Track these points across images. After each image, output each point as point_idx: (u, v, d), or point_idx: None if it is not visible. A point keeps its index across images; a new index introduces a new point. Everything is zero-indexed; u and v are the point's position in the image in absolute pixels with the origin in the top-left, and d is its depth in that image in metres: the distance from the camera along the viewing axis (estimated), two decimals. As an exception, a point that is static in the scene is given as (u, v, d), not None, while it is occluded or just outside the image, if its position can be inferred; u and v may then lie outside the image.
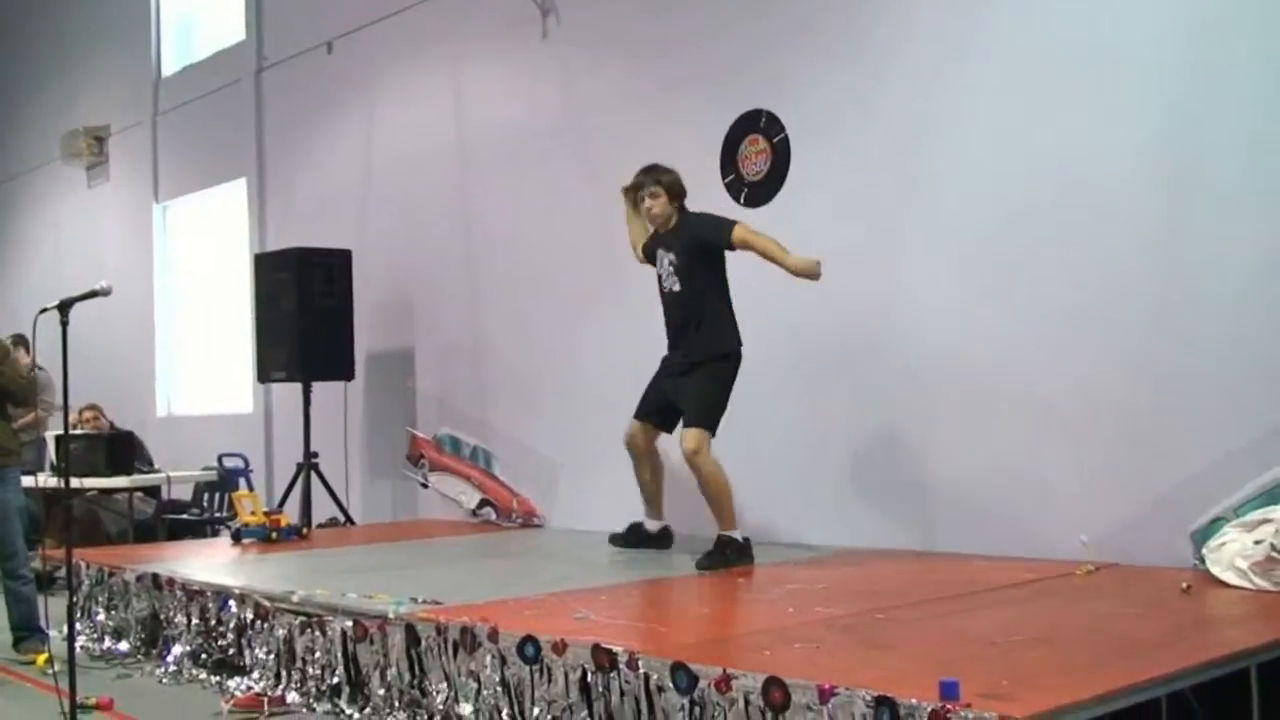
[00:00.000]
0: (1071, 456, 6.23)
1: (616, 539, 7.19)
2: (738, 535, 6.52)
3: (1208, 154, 5.82)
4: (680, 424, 6.69)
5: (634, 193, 7.01)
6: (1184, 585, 5.18)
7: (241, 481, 10.46)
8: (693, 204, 7.32)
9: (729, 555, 6.40)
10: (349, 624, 5.28)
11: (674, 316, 6.84)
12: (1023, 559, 6.09)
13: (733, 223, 6.59)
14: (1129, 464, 6.02)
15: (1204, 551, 5.47)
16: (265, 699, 5.46)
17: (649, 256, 7.00)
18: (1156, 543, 5.83)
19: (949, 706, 3.24)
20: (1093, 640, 4.30)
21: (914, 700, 3.31)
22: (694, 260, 6.68)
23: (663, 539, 7.14)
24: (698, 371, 6.66)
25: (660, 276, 6.87)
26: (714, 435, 6.57)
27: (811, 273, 6.33)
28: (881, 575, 6.01)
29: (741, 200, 7.70)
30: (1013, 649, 4.13)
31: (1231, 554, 5.27)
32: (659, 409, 6.89)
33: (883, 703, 3.36)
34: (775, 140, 7.54)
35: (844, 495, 7.18)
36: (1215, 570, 5.32)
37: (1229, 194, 5.76)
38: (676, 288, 6.77)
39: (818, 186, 7.36)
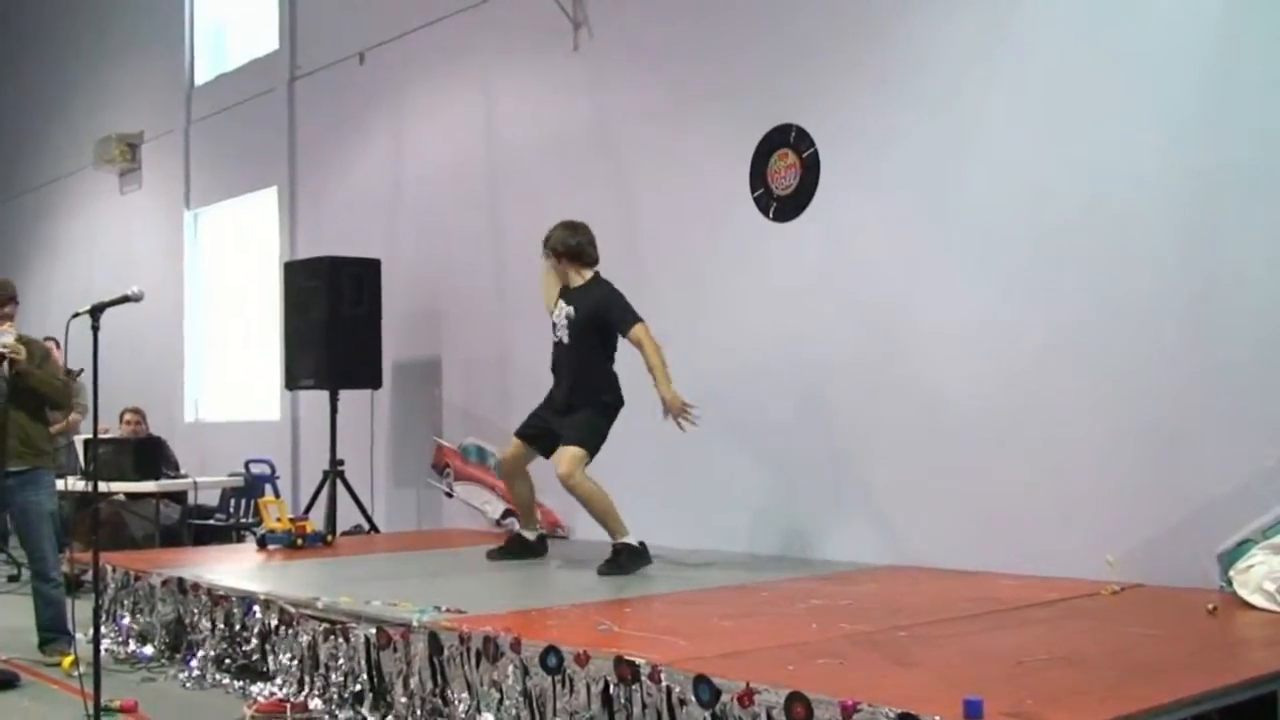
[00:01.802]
0: (1098, 475, 6.20)
1: (495, 554, 7.52)
2: (632, 540, 6.90)
3: (1232, 167, 5.78)
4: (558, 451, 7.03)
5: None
6: (1210, 607, 5.14)
7: (268, 488, 10.50)
8: (723, 219, 7.37)
9: (624, 561, 6.80)
10: (372, 631, 5.29)
11: (560, 366, 7.27)
12: (1048, 578, 6.06)
13: (638, 320, 6.95)
14: (1155, 484, 5.98)
15: (1231, 573, 5.43)
16: (288, 705, 5.47)
17: (556, 305, 7.33)
18: (1183, 564, 5.79)
19: (972, 725, 3.23)
20: (1118, 661, 4.28)
21: (937, 718, 3.30)
22: (589, 324, 7.07)
23: (540, 547, 7.63)
24: (579, 410, 7.09)
25: (555, 324, 7.24)
26: (589, 461, 6.99)
27: (675, 408, 6.76)
28: (905, 592, 5.99)
29: (770, 214, 7.70)
30: (1037, 668, 4.11)
31: (1259, 576, 5.23)
32: (540, 434, 7.27)
33: (906, 720, 3.35)
34: (805, 155, 7.54)
35: (869, 511, 7.15)
36: (1242, 592, 5.28)
37: (1255, 208, 5.72)
38: (566, 340, 7.18)
39: (846, 202, 7.35)
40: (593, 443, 7.05)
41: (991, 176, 6.69)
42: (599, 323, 7.07)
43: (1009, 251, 6.59)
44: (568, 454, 6.91)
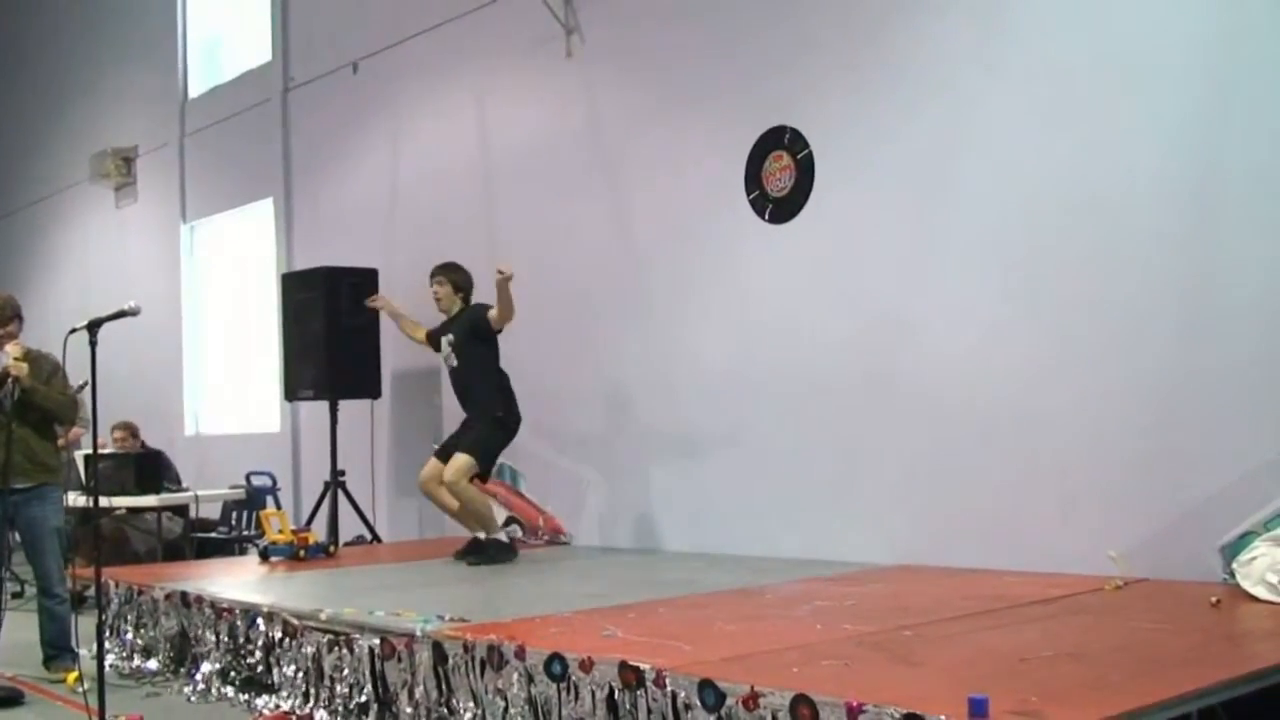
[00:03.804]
0: (1099, 471, 6.20)
1: (460, 555, 7.96)
2: (503, 537, 7.95)
3: (1229, 166, 5.80)
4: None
5: (386, 307, 8.79)
6: (1214, 600, 5.14)
7: (269, 500, 10.49)
8: (718, 222, 7.39)
9: (493, 553, 7.72)
10: (377, 642, 5.29)
11: (455, 388, 8.14)
12: (1051, 575, 6.06)
13: (488, 306, 7.78)
14: (1157, 478, 5.99)
15: (1234, 566, 5.44)
16: (294, 717, 5.48)
17: (433, 343, 8.26)
18: (1185, 558, 5.80)
19: (978, 723, 3.23)
20: (1122, 656, 4.28)
21: (943, 717, 3.30)
22: (468, 340, 7.93)
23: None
24: (474, 425, 7.93)
25: (444, 357, 8.14)
26: (479, 471, 7.88)
27: (503, 283, 7.50)
28: (909, 592, 5.99)
29: (766, 216, 7.70)
30: (1042, 665, 4.11)
31: (1262, 569, 5.24)
32: (446, 449, 7.98)
33: (911, 719, 3.35)
34: (799, 156, 7.54)
35: (871, 512, 7.15)
36: (1245, 585, 5.29)
37: (1252, 205, 5.73)
38: (455, 363, 8.04)
39: (842, 202, 7.36)
40: (481, 454, 7.85)
41: (986, 176, 6.69)
42: (475, 333, 7.86)
43: (1006, 249, 6.60)
44: (457, 460, 7.70)
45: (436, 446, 8.28)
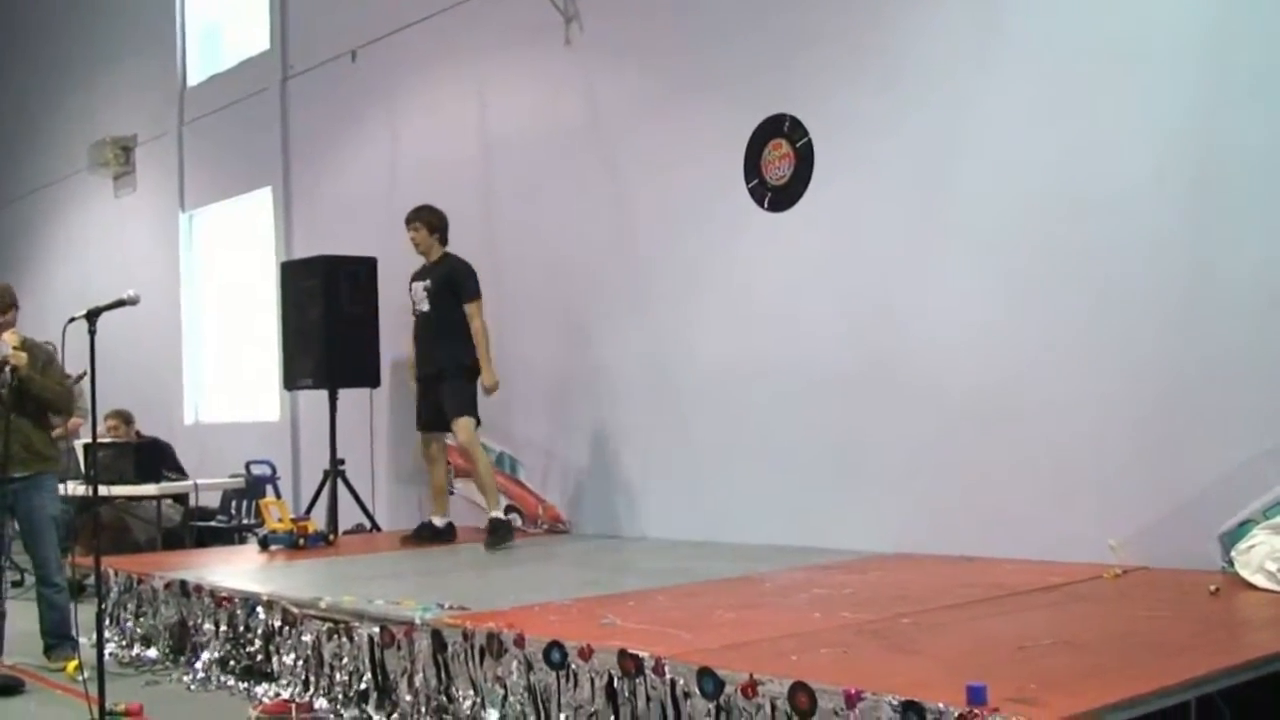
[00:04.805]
0: (1098, 459, 6.20)
1: (409, 539, 8.36)
2: (502, 514, 8.03)
3: (1227, 157, 5.79)
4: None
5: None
6: (1212, 588, 5.15)
7: (269, 488, 10.49)
8: (717, 210, 7.40)
9: (504, 533, 7.82)
10: (376, 630, 5.30)
11: (421, 332, 8.30)
12: (1050, 563, 6.07)
13: (478, 295, 8.17)
14: (1156, 467, 5.98)
15: (1233, 554, 5.44)
16: (293, 705, 5.48)
17: (409, 291, 8.42)
18: (1184, 546, 5.79)
19: (976, 711, 3.23)
20: (1121, 644, 4.29)
21: (941, 705, 3.31)
22: (443, 290, 8.15)
23: (448, 533, 8.42)
24: (446, 381, 8.09)
25: (414, 301, 8.32)
26: (479, 424, 8.08)
27: (489, 387, 8.03)
28: (908, 580, 5.99)
29: (765, 205, 7.69)
30: (1040, 653, 4.12)
31: (1261, 556, 5.24)
32: (434, 418, 8.25)
33: (910, 707, 3.35)
34: (798, 145, 7.53)
35: (870, 500, 7.15)
36: (1244, 573, 5.29)
37: (1250, 196, 5.72)
38: (425, 308, 8.23)
39: (841, 191, 7.35)
40: (474, 408, 8.07)
41: (986, 166, 6.68)
42: (451, 287, 8.13)
43: (1006, 238, 6.59)
44: (462, 423, 7.97)
45: (420, 422, 8.48)
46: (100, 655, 4.96)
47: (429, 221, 8.35)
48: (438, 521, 8.42)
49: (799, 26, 7.58)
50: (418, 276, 8.39)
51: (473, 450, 8.05)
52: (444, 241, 8.40)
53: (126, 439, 10.13)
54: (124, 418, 10.45)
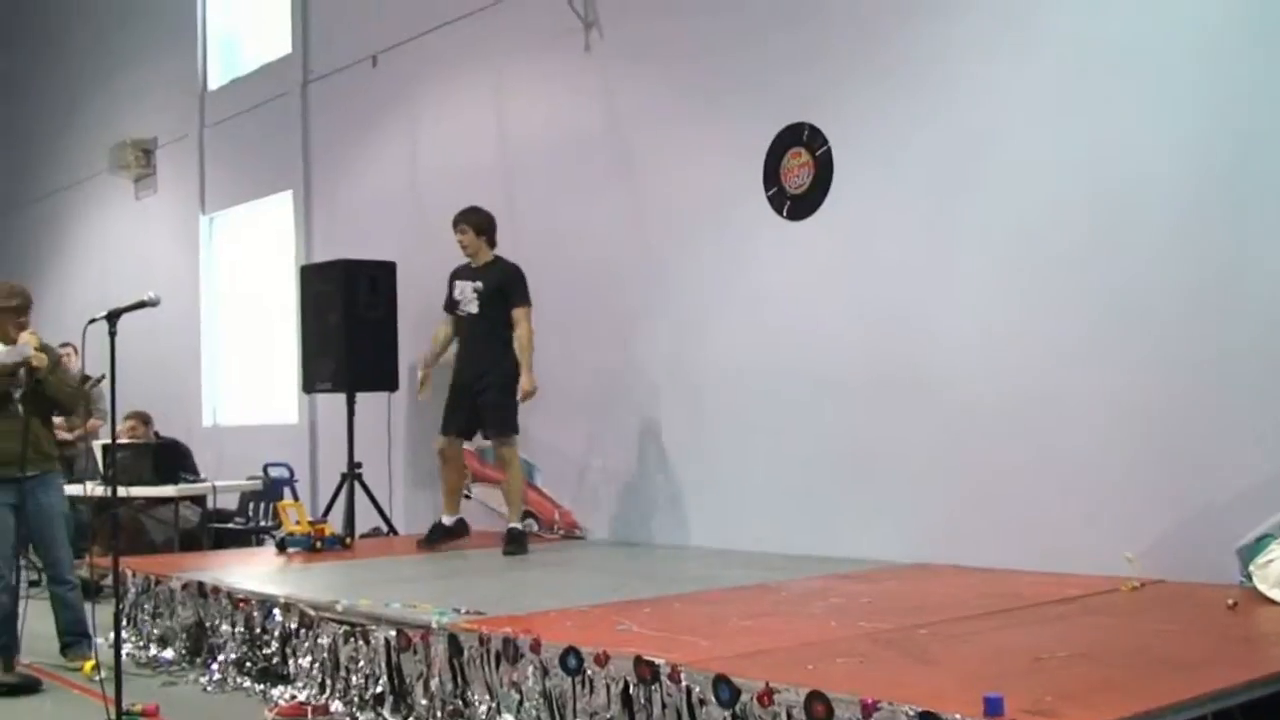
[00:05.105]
0: (1116, 472, 6.18)
1: (424, 543, 8.34)
2: (520, 525, 8.08)
3: (1250, 158, 5.76)
4: (486, 432, 8.26)
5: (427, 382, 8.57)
6: (1230, 602, 5.13)
7: (286, 491, 10.51)
8: (737, 218, 7.39)
9: (522, 543, 7.95)
10: (392, 634, 5.31)
11: (468, 334, 8.19)
12: (1066, 575, 6.05)
13: (527, 301, 8.08)
14: (1175, 480, 5.96)
15: (1251, 568, 5.42)
16: (309, 708, 5.50)
17: (450, 289, 8.33)
18: (1202, 559, 5.77)
19: (993, 722, 3.23)
20: (1138, 657, 4.27)
21: (958, 716, 3.30)
22: (495, 295, 8.07)
23: (460, 529, 8.43)
24: (490, 391, 8.02)
25: (459, 302, 8.21)
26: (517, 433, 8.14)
27: (528, 391, 7.93)
28: (925, 590, 5.99)
29: (784, 213, 7.69)
30: (1057, 665, 4.10)
31: (1279, 571, 5.21)
32: (465, 425, 8.22)
33: (926, 718, 3.35)
34: (818, 153, 7.53)
35: (887, 509, 7.14)
36: (1262, 587, 5.27)
37: (1271, 195, 5.70)
38: (475, 310, 8.12)
39: (860, 199, 7.35)
40: (516, 422, 8.11)
41: (1005, 173, 6.67)
42: (502, 292, 8.05)
43: (1026, 245, 6.57)
44: (510, 445, 8.08)
45: (451, 428, 8.25)
46: (117, 656, 4.98)
47: (476, 224, 8.22)
48: (447, 520, 8.39)
49: (819, 34, 7.58)
50: (464, 275, 8.24)
51: (514, 464, 8.11)
52: (492, 244, 8.29)
53: (145, 440, 10.17)
54: (143, 419, 10.48)
